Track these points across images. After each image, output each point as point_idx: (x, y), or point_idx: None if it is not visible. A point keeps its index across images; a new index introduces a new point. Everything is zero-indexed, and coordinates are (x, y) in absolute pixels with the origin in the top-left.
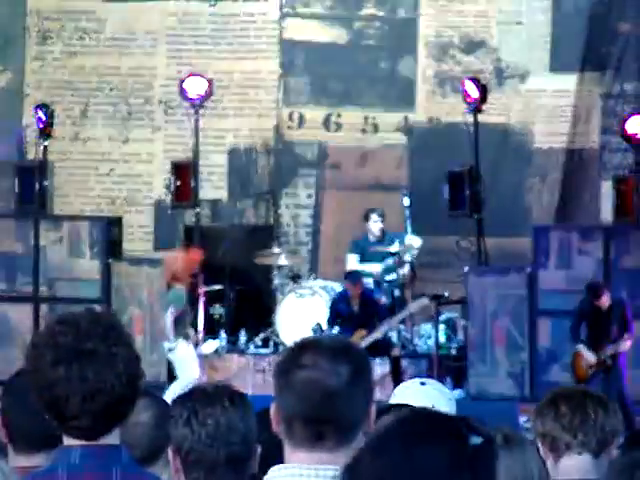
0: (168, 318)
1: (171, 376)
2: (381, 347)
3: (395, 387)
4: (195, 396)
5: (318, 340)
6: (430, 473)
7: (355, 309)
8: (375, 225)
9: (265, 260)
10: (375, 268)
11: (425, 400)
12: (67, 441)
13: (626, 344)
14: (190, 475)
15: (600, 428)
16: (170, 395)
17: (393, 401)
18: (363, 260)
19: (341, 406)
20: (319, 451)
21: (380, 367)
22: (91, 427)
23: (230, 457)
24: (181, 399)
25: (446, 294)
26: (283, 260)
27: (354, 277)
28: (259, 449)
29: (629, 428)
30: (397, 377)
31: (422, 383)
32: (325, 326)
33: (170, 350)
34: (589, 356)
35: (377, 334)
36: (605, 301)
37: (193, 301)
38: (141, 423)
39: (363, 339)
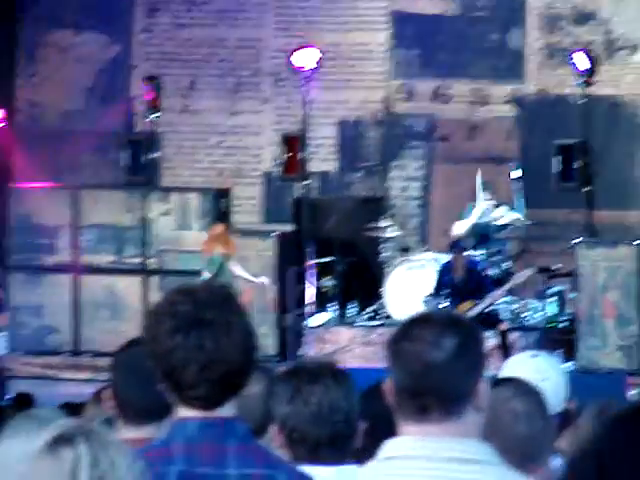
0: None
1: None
2: (489, 321)
3: (503, 361)
4: (298, 374)
5: (428, 314)
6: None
7: (460, 280)
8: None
9: (375, 232)
10: (475, 214)
11: (536, 373)
12: (182, 412)
13: None
14: (293, 451)
15: None
16: None
17: (503, 374)
18: (472, 233)
19: (442, 379)
20: (425, 424)
21: (488, 340)
22: (208, 396)
23: (333, 436)
24: (285, 376)
25: (555, 267)
26: (392, 232)
27: (459, 247)
28: (364, 425)
29: None
30: (505, 351)
31: (533, 355)
32: (432, 297)
33: None
34: None
35: (482, 306)
36: None
37: (301, 274)
38: (252, 395)
39: (468, 311)
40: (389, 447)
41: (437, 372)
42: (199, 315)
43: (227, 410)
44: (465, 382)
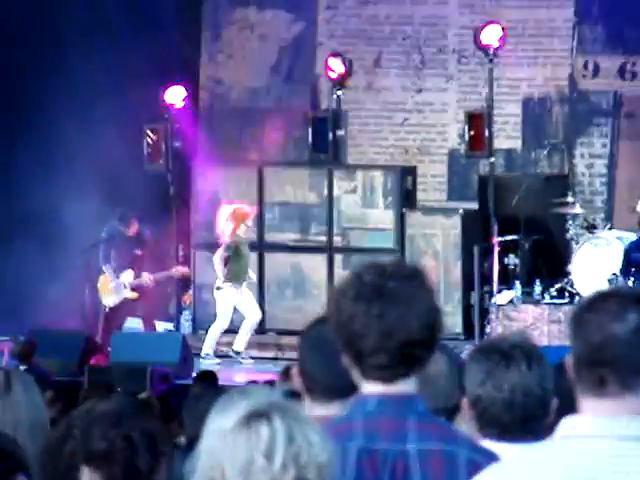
0: (217, 259)
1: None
2: None
3: None
4: (491, 356)
5: (615, 289)
6: None
7: None
8: None
9: (560, 210)
10: None
11: None
12: (364, 388)
13: None
14: (483, 429)
15: None
16: (209, 337)
17: None
18: None
19: (622, 352)
20: (603, 398)
21: None
22: (387, 366)
23: (525, 419)
24: (478, 355)
25: None
26: (578, 210)
27: None
28: (556, 402)
29: None
30: None
31: None
32: (620, 276)
33: (218, 289)
34: None
35: None
36: None
37: (487, 251)
38: (437, 376)
39: None
40: (566, 425)
41: (617, 344)
42: (383, 285)
43: (407, 385)
44: None
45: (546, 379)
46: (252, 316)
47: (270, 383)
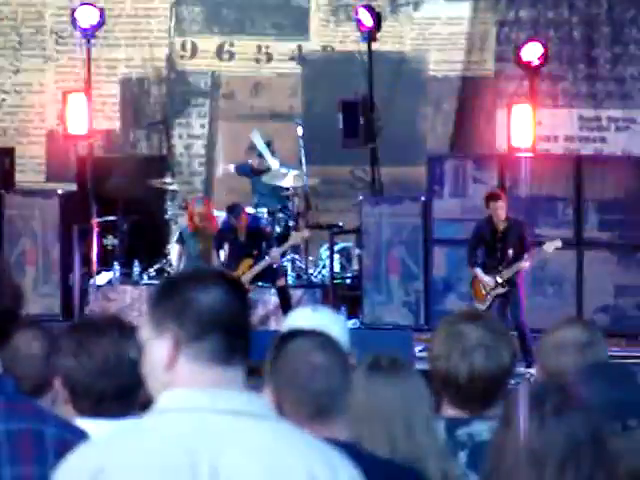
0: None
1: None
2: (267, 276)
3: (285, 316)
4: (83, 328)
5: (192, 270)
6: None
7: (242, 239)
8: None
9: (159, 190)
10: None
11: (317, 327)
12: None
13: (525, 264)
14: (77, 405)
15: None
16: None
17: (285, 328)
18: (255, 190)
19: (234, 321)
20: (203, 370)
21: (275, 297)
22: None
23: (119, 389)
24: (69, 330)
25: (340, 224)
26: (176, 189)
27: (236, 211)
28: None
29: (526, 356)
30: (286, 307)
31: (314, 310)
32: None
33: None
34: (487, 280)
35: (262, 265)
36: None
37: (86, 233)
38: (30, 355)
39: (249, 269)
40: (164, 399)
41: (228, 313)
42: None
43: None
44: (249, 325)
45: (138, 349)
46: None
47: None
